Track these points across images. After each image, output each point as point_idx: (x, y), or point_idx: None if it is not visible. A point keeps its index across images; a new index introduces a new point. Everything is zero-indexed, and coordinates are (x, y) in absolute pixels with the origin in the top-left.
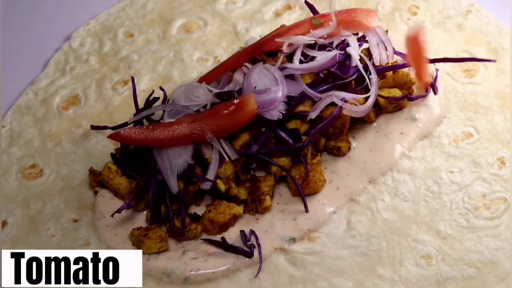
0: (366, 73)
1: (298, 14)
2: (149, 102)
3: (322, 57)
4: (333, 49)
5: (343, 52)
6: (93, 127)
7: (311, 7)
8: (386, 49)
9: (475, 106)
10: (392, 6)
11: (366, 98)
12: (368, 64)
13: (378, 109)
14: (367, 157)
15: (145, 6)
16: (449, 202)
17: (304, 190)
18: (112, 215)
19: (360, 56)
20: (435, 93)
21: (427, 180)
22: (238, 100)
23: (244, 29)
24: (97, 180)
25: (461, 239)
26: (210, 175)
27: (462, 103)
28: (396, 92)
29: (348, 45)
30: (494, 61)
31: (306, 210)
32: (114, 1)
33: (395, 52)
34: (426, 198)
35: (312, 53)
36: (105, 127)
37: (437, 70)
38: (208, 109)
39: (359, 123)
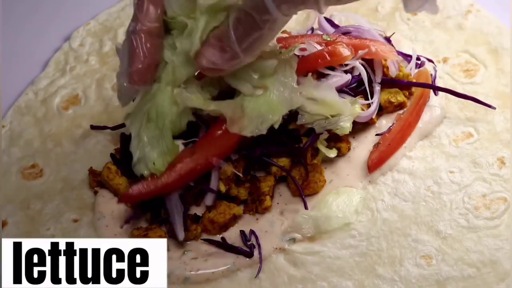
0: (369, 83)
1: (298, 14)
2: None
3: (337, 79)
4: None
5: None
6: (93, 127)
7: (330, 22)
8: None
9: (475, 106)
10: (392, 6)
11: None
12: (371, 76)
13: (379, 110)
14: (367, 157)
15: None
16: (449, 202)
17: (304, 190)
18: (121, 227)
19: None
20: (435, 93)
21: (427, 180)
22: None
23: None
24: (97, 180)
25: (461, 239)
26: (213, 184)
27: (462, 103)
28: (396, 92)
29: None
30: (494, 108)
31: None
32: (114, 1)
33: (399, 53)
34: (426, 198)
35: (325, 71)
36: (104, 127)
37: (435, 69)
38: (202, 137)
39: (360, 123)
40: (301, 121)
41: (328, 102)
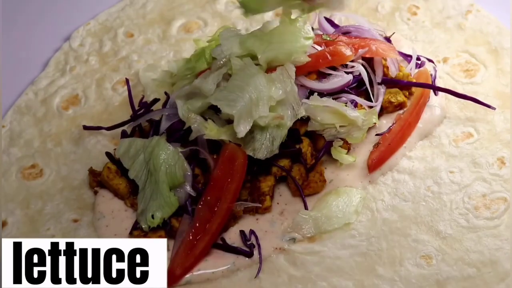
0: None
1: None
2: (143, 103)
3: (338, 80)
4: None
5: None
6: (86, 128)
7: (330, 22)
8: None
9: (475, 106)
10: (392, 6)
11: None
12: (371, 76)
13: (379, 110)
14: (367, 157)
15: (145, 6)
16: (449, 202)
17: (304, 190)
18: (131, 233)
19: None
20: (435, 93)
21: (427, 180)
22: (224, 156)
23: (244, 29)
24: (96, 180)
25: (461, 239)
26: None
27: (462, 103)
28: (396, 92)
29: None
30: (494, 108)
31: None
32: (114, 1)
33: (400, 54)
34: (426, 198)
35: (326, 70)
36: (99, 128)
37: (435, 69)
38: (209, 186)
39: None
40: (311, 127)
41: (341, 112)
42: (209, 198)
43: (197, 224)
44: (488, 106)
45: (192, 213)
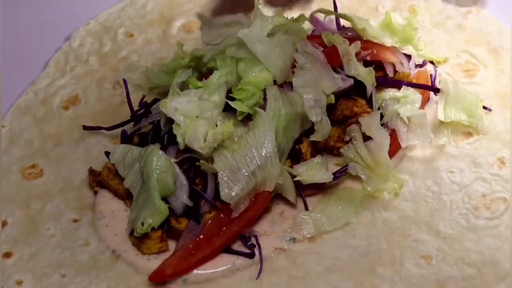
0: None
1: (298, 14)
2: (143, 103)
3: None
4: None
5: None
6: (86, 128)
7: (336, 22)
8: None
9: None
10: (392, 6)
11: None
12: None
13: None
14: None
15: (145, 6)
16: (449, 202)
17: (304, 190)
18: (130, 234)
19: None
20: (435, 94)
21: (427, 180)
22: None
23: None
24: (96, 180)
25: (461, 239)
26: (209, 192)
27: None
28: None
29: None
30: (490, 110)
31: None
32: (114, 1)
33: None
34: (426, 198)
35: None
36: (99, 128)
37: (435, 69)
38: (226, 204)
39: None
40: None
41: (381, 161)
42: (222, 215)
43: (202, 236)
44: (485, 108)
45: (195, 217)
